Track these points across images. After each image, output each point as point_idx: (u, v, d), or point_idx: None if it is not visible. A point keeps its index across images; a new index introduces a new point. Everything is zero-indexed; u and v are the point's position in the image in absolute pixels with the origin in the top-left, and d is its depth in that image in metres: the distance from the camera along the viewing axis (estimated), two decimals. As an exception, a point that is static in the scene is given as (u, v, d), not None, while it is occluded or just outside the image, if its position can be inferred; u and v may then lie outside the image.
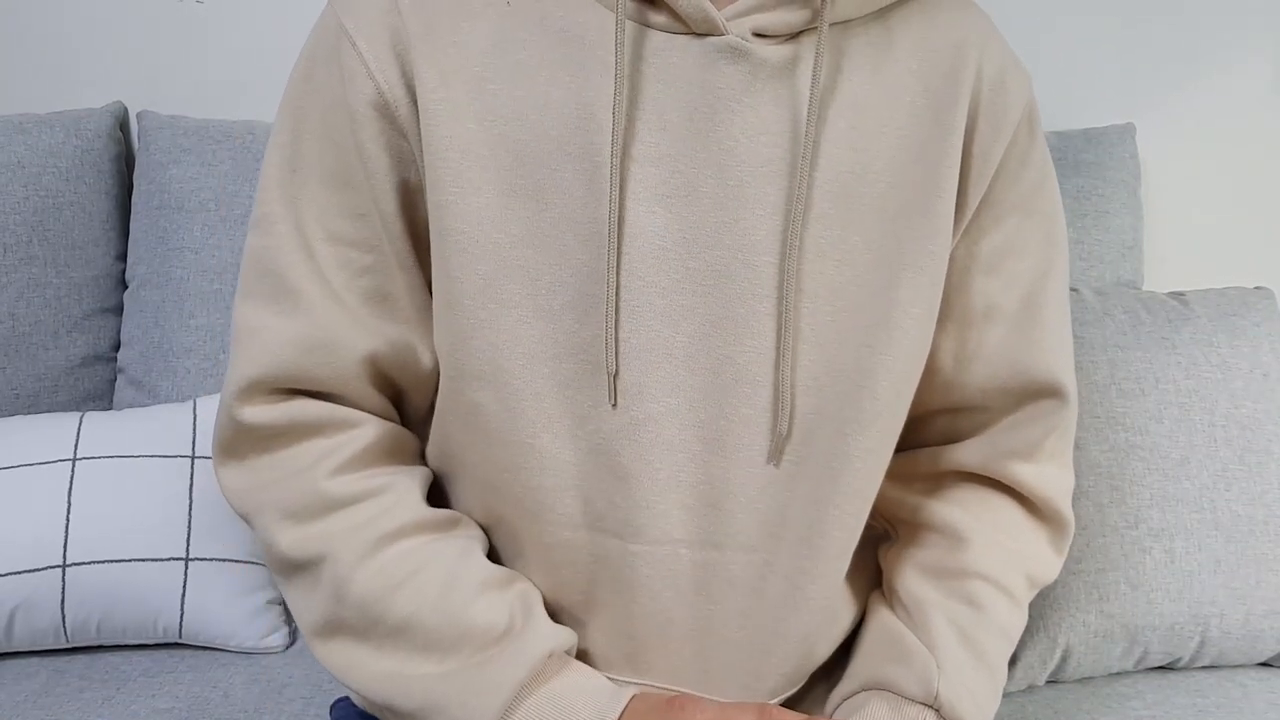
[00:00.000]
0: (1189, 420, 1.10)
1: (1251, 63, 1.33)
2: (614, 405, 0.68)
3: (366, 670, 0.70)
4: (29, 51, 1.35)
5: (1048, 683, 1.10)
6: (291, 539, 0.71)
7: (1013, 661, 1.08)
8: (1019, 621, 0.78)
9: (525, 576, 0.73)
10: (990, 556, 0.77)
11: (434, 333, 0.72)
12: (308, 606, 0.72)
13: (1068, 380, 0.78)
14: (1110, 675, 1.11)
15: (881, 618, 0.77)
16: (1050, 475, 0.79)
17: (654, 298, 0.68)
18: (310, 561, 0.71)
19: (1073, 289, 1.20)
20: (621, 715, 0.67)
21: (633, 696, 0.68)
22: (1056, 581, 1.07)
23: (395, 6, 0.69)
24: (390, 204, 0.70)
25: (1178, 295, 1.19)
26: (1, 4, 1.34)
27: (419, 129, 0.68)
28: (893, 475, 0.78)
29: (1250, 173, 1.36)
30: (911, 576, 0.78)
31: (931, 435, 0.81)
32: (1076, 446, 1.09)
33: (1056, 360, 0.78)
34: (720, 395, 0.69)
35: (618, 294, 0.67)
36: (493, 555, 0.76)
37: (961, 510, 0.79)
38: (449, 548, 0.71)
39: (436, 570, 0.70)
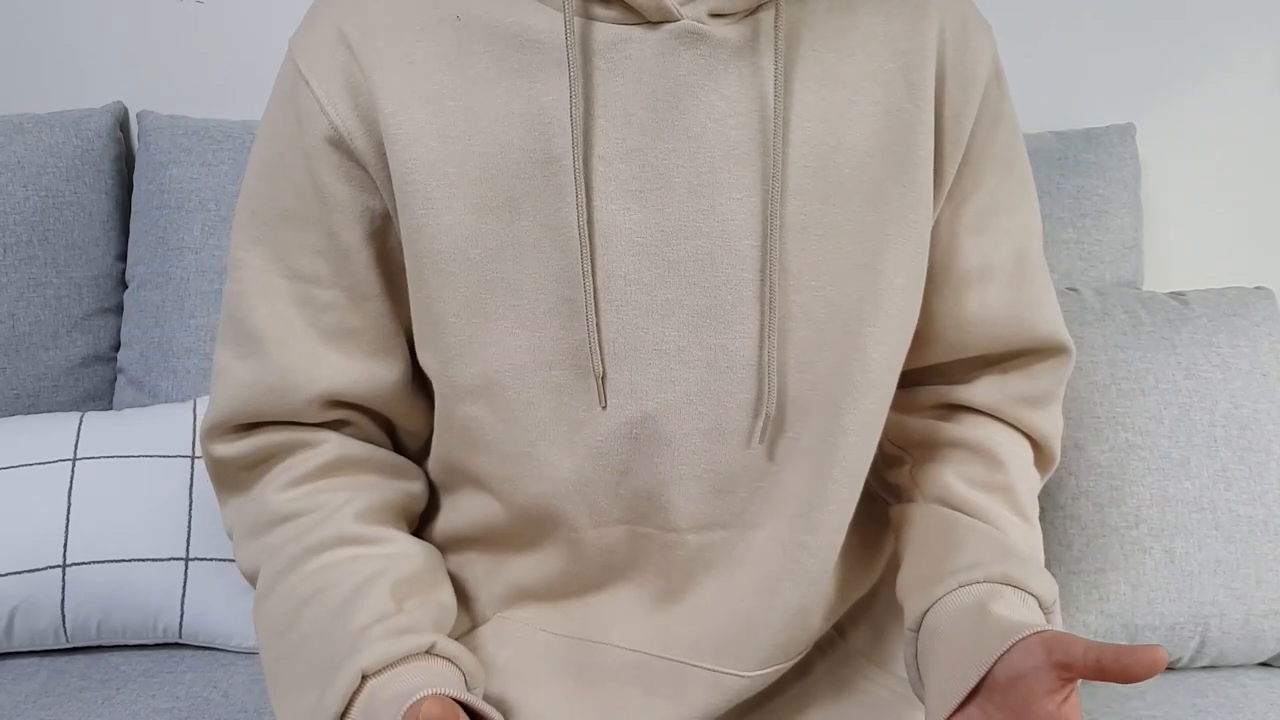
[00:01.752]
0: (1189, 420, 1.10)
1: (1251, 63, 1.33)
2: (604, 408, 0.68)
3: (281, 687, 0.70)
4: (29, 51, 1.35)
5: (1048, 683, 1.10)
6: (242, 554, 0.74)
7: (1013, 661, 1.08)
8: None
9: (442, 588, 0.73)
10: (1024, 483, 0.79)
11: (419, 354, 0.72)
12: (256, 615, 0.74)
13: (1066, 334, 0.79)
14: (1110, 675, 1.11)
15: (962, 520, 0.75)
16: (1056, 418, 0.81)
17: (637, 295, 0.67)
18: (251, 575, 0.73)
19: (1073, 289, 1.20)
20: None
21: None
22: (1056, 581, 1.07)
23: (344, 41, 0.68)
24: (354, 233, 0.70)
25: (1178, 295, 1.19)
26: (2, 4, 1.34)
27: (384, 158, 0.68)
28: (895, 406, 0.78)
29: (1250, 173, 1.36)
30: (967, 489, 0.77)
31: (933, 380, 0.81)
32: (1076, 446, 1.09)
33: (1054, 314, 0.79)
34: (716, 385, 0.68)
35: (597, 296, 0.67)
36: (497, 555, 0.77)
37: (991, 434, 0.79)
38: (358, 570, 0.70)
39: (335, 593, 0.69)
